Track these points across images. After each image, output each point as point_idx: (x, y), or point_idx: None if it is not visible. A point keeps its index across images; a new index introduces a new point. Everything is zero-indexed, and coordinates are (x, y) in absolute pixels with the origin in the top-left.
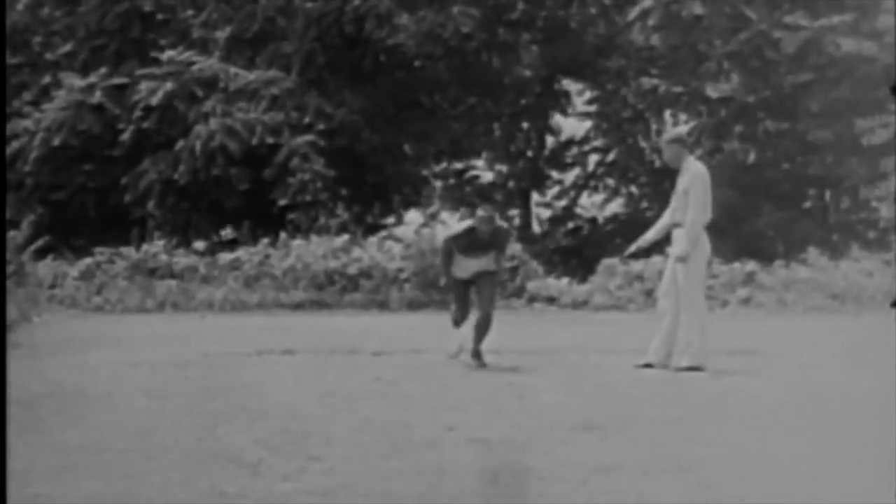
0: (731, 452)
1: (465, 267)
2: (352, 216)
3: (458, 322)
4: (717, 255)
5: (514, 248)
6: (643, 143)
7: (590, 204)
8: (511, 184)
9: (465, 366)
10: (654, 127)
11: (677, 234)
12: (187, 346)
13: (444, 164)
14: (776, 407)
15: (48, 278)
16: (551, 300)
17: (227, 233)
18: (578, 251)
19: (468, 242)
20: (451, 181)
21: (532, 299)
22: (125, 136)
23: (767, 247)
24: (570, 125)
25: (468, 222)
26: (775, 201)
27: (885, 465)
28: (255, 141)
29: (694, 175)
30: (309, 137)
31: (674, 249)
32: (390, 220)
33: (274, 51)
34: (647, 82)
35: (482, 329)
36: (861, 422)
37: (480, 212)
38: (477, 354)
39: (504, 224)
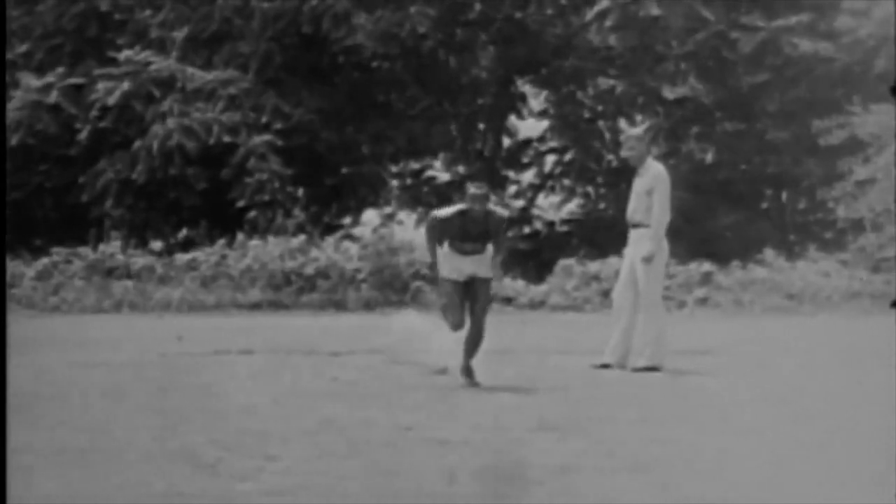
0: (688, 452)
1: (458, 267)
2: (309, 216)
3: (457, 326)
4: (673, 256)
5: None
6: (596, 144)
7: (547, 204)
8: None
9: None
10: (606, 134)
11: (637, 235)
12: (144, 347)
13: (401, 165)
14: (734, 407)
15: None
16: (508, 301)
17: (184, 233)
18: (536, 253)
19: (459, 228)
20: (409, 181)
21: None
22: (82, 136)
23: (724, 247)
24: (527, 125)
25: (458, 206)
26: (732, 202)
27: (843, 463)
28: (212, 141)
29: (656, 175)
30: (266, 137)
31: (635, 250)
32: (347, 220)
33: (231, 51)
34: (604, 83)
35: (473, 343)
36: (819, 420)
37: (473, 189)
38: (468, 371)
39: (499, 209)
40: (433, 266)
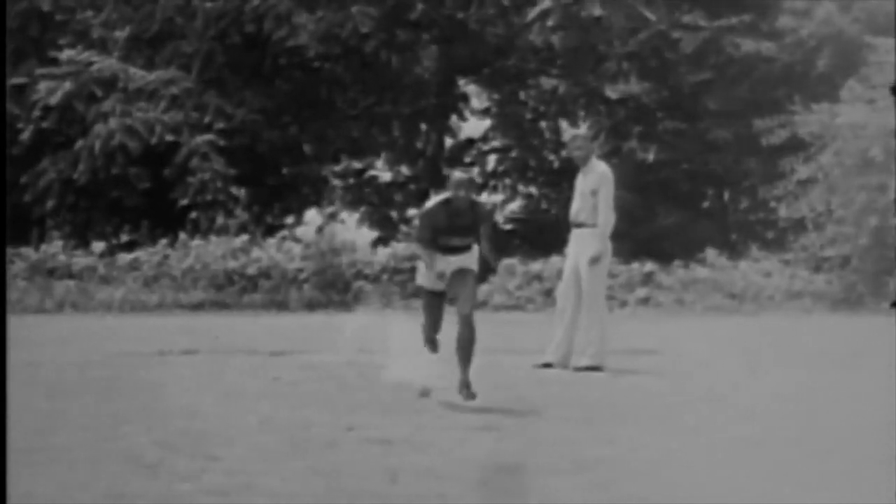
0: (630, 452)
1: (440, 269)
2: (251, 216)
3: (432, 341)
4: (615, 256)
5: (412, 248)
6: (536, 142)
7: (490, 204)
8: (412, 186)
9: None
10: (548, 134)
11: (581, 235)
12: (87, 347)
13: (343, 164)
14: (676, 406)
15: None
16: (451, 300)
17: (126, 233)
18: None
19: (445, 221)
20: (351, 181)
21: None
22: (24, 136)
23: (666, 247)
24: (470, 125)
25: (442, 196)
26: (674, 201)
27: (785, 461)
28: (154, 140)
29: (601, 175)
30: (209, 137)
31: (579, 250)
32: (289, 220)
33: (173, 50)
34: (546, 82)
35: (466, 347)
36: (760, 420)
37: (457, 173)
38: (466, 386)
39: (483, 201)
40: (441, 275)
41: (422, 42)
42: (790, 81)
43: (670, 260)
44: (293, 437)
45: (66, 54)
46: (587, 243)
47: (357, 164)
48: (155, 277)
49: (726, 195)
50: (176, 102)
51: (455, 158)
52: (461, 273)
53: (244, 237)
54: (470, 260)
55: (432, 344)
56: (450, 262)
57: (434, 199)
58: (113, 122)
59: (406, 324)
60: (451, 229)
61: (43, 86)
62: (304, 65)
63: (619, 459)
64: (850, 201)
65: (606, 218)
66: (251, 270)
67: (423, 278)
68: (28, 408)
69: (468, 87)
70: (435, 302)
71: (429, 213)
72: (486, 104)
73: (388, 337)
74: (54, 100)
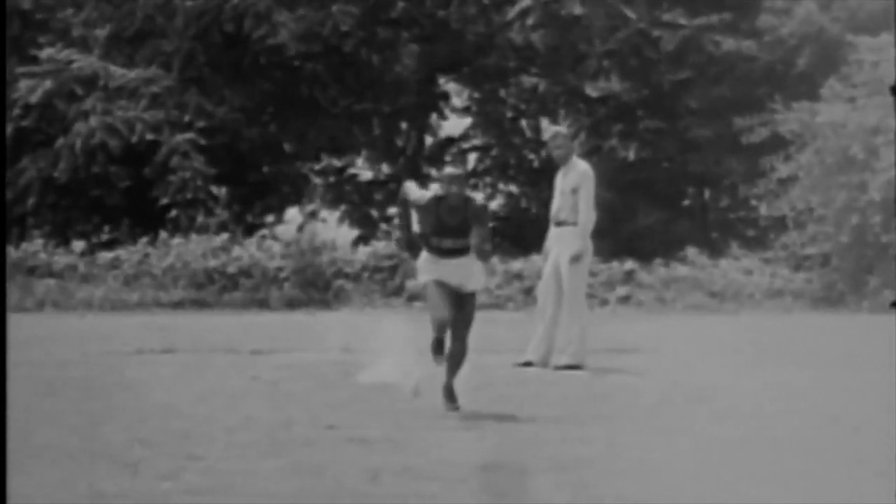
0: (611, 451)
1: (440, 274)
2: (232, 215)
3: (443, 324)
4: (596, 254)
5: (392, 247)
6: (516, 140)
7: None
8: (392, 184)
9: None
10: (526, 132)
11: (561, 233)
12: (67, 346)
13: (324, 163)
14: (656, 405)
15: None
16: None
17: (107, 234)
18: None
19: (436, 219)
20: (332, 179)
21: (412, 298)
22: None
23: (647, 245)
24: (450, 123)
25: (432, 191)
26: (655, 199)
27: (765, 461)
28: (135, 139)
29: (582, 173)
30: (189, 135)
31: (560, 248)
32: (270, 218)
33: (154, 49)
34: (526, 81)
35: (456, 360)
36: (742, 419)
37: (449, 169)
38: (450, 393)
39: (477, 198)
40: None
41: (402, 40)
42: (770, 80)
43: (651, 258)
44: (273, 436)
45: (46, 52)
46: (568, 242)
47: (337, 163)
48: (135, 276)
49: (707, 193)
50: (156, 101)
51: (435, 157)
52: (464, 297)
53: (224, 236)
54: (472, 278)
55: (439, 344)
56: (449, 267)
57: (425, 193)
58: (93, 121)
59: (389, 323)
60: (444, 229)
61: (23, 84)
62: (285, 63)
63: (600, 458)
64: (830, 200)
65: (587, 216)
66: (231, 269)
67: (423, 272)
68: (7, 407)
69: (448, 85)
70: (441, 293)
71: (419, 207)
72: (466, 102)
73: (369, 336)
74: (34, 98)
